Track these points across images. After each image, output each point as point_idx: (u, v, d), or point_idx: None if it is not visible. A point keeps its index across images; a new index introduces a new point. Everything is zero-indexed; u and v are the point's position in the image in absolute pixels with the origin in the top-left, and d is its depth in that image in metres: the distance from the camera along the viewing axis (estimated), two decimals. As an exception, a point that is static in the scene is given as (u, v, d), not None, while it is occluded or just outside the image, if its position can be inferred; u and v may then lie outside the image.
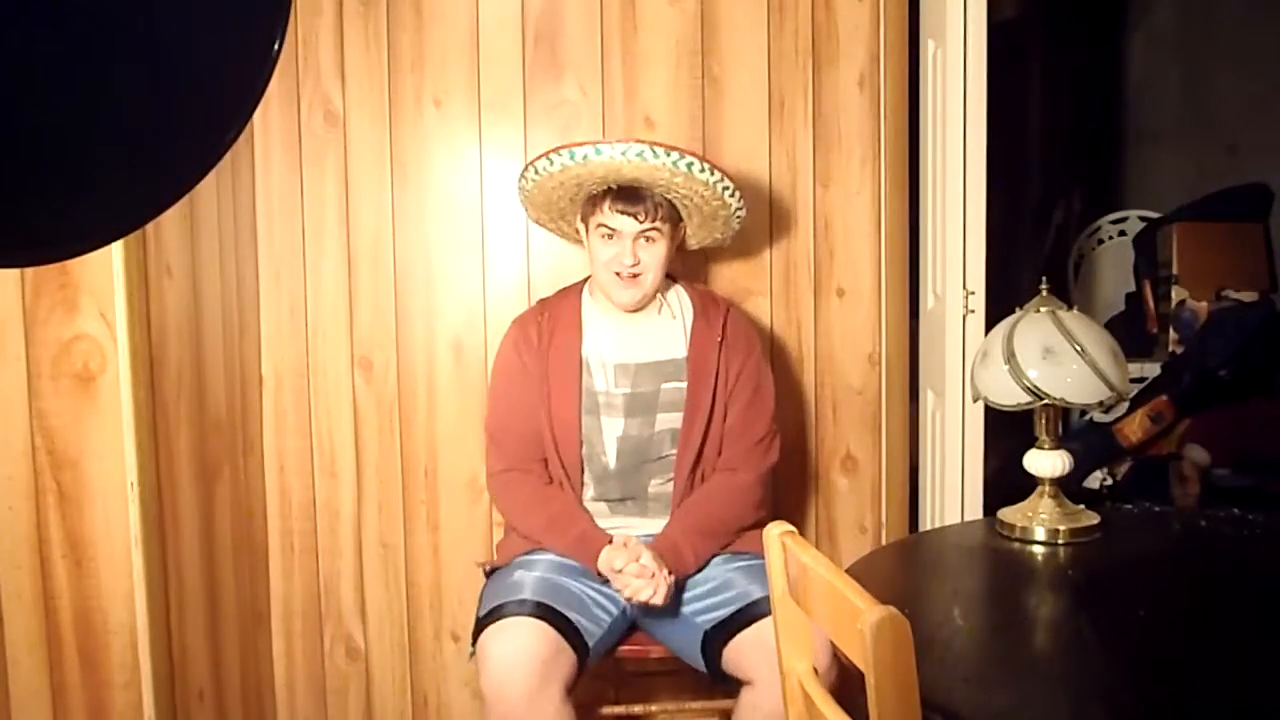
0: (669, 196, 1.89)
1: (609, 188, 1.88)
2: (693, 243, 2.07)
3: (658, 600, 1.75)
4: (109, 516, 1.60)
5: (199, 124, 0.76)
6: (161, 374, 1.73)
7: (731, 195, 1.91)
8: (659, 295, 1.97)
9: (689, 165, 1.82)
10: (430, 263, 2.34)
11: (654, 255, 1.89)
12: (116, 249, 1.56)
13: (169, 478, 1.75)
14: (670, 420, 1.93)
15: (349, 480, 2.36)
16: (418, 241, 2.34)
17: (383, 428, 2.35)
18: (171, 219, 1.80)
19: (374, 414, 2.35)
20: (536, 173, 1.91)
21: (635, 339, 1.95)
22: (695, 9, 2.33)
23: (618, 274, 1.89)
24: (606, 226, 1.88)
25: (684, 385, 1.93)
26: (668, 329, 1.97)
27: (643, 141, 1.82)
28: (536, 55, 2.31)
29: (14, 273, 1.53)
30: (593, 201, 1.91)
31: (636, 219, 1.86)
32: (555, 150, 1.85)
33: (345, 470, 2.36)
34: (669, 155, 1.81)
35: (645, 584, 1.75)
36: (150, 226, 1.67)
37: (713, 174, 1.86)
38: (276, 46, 0.75)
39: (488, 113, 2.32)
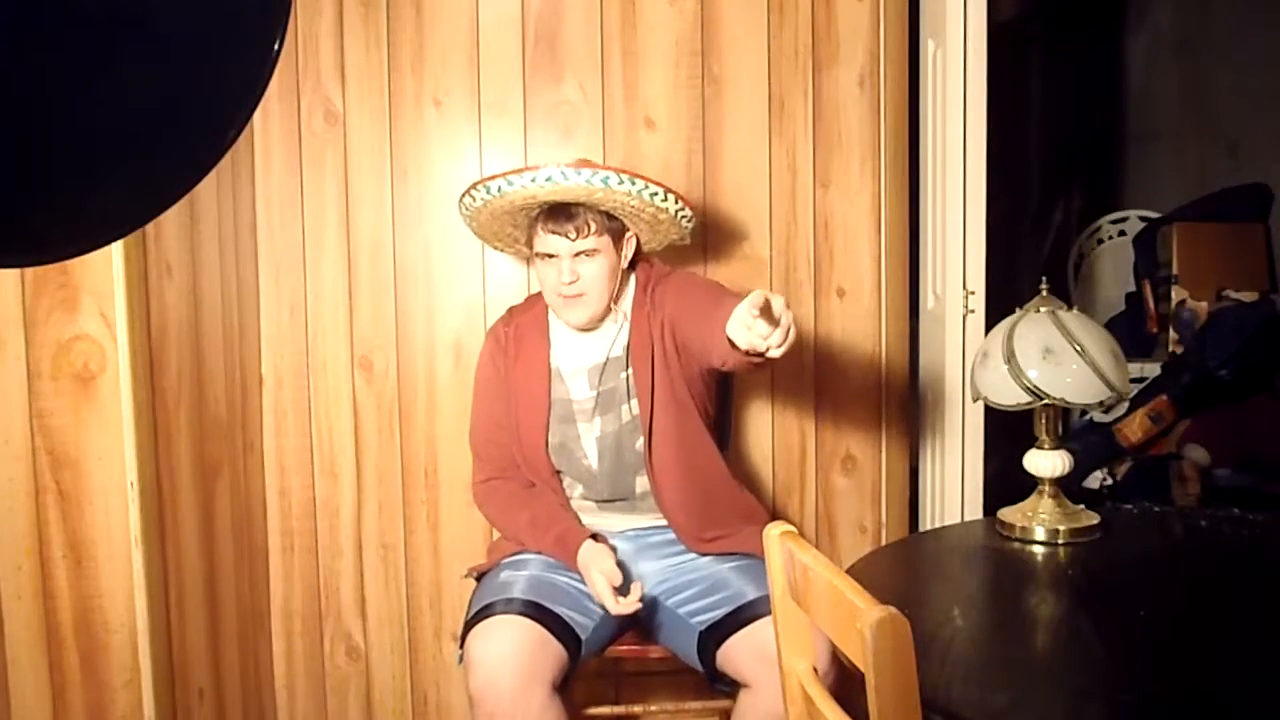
0: (606, 209, 1.85)
1: (542, 209, 1.86)
2: (653, 244, 2.02)
3: (632, 604, 1.73)
4: (109, 516, 1.60)
5: (199, 124, 0.76)
6: (161, 374, 1.73)
7: (664, 200, 1.84)
8: (611, 305, 1.91)
9: (604, 180, 1.77)
10: (430, 263, 2.34)
11: (593, 271, 1.85)
12: (116, 249, 1.56)
13: (169, 478, 1.75)
14: (636, 406, 1.90)
15: (349, 480, 2.36)
16: (418, 241, 2.34)
17: (383, 428, 2.35)
18: (171, 219, 1.80)
19: (374, 414, 2.35)
20: (466, 209, 1.92)
21: (596, 339, 1.94)
22: (695, 9, 2.33)
23: (562, 295, 1.86)
24: (543, 251, 1.86)
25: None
26: (621, 321, 1.95)
27: (555, 165, 1.77)
28: (536, 55, 2.31)
29: (14, 273, 1.53)
30: (532, 225, 1.90)
31: (568, 238, 1.83)
32: (476, 185, 1.85)
33: (345, 470, 2.36)
34: (580, 174, 1.76)
35: (610, 598, 1.73)
36: (150, 226, 1.67)
37: (634, 183, 1.80)
38: (276, 46, 0.75)
39: (488, 113, 2.32)
